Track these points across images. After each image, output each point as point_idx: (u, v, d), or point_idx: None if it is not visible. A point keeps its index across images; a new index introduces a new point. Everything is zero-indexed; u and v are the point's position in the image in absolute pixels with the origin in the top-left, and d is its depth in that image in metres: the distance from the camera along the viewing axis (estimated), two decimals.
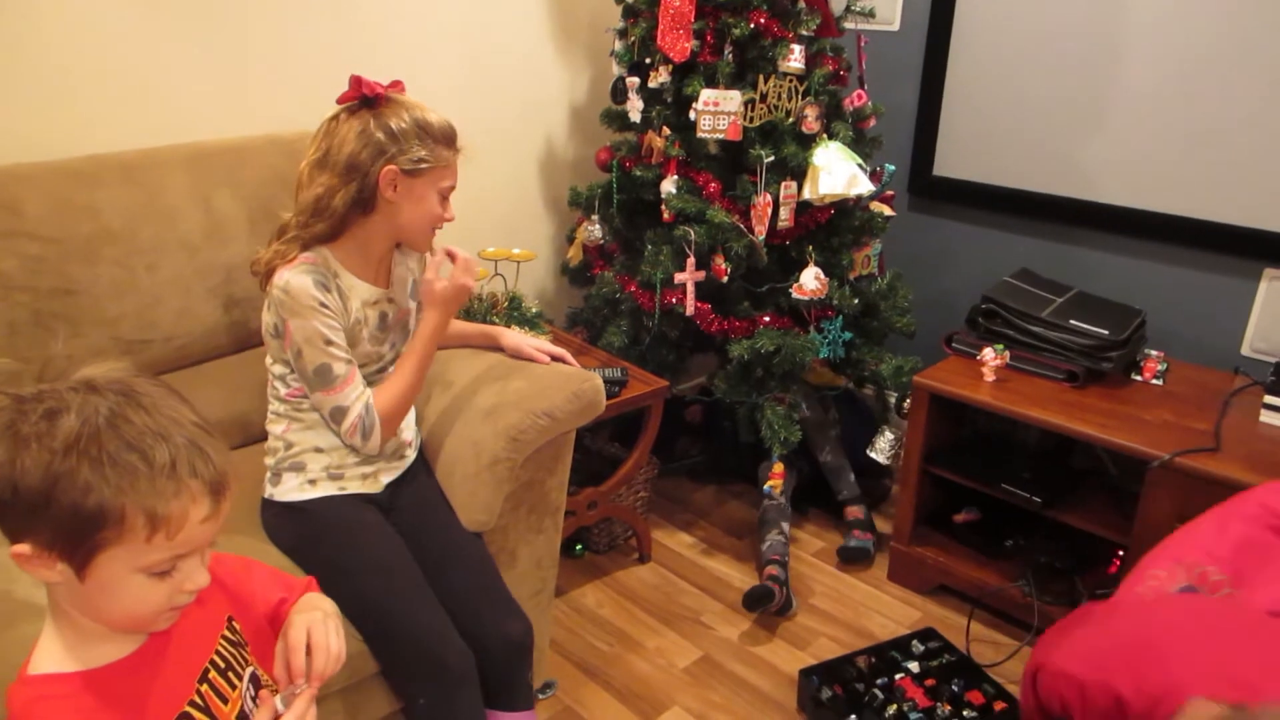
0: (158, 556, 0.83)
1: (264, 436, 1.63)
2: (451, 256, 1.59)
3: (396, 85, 1.49)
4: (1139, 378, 2.13)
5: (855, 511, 2.45)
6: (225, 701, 0.95)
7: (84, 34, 1.80)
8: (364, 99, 1.45)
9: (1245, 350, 2.20)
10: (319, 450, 1.55)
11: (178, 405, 0.86)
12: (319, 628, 1.03)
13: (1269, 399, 1.92)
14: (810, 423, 2.42)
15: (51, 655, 0.87)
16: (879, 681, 1.88)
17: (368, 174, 1.44)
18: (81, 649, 0.87)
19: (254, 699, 0.99)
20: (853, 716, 1.79)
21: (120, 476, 0.79)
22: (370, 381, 1.58)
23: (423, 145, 1.45)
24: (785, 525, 2.36)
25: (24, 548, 0.81)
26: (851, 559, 2.39)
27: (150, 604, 0.86)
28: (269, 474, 1.57)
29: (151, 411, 0.83)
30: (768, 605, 2.14)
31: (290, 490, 1.54)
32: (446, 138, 1.49)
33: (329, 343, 1.45)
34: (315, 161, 1.46)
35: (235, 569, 1.06)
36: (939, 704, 1.83)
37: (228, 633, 1.00)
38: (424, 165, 1.46)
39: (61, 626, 0.87)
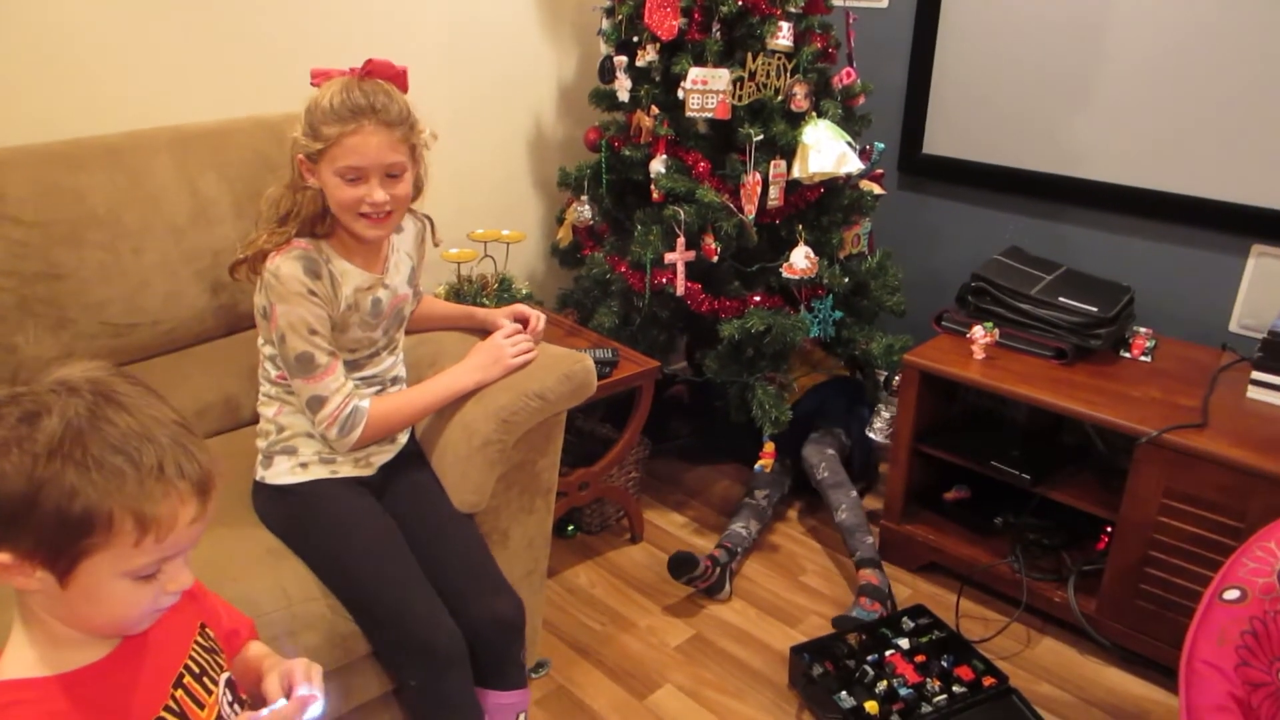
0: (145, 560, 0.81)
1: (253, 420, 1.63)
2: (524, 321, 1.71)
3: (366, 66, 1.42)
4: (1127, 354, 2.14)
5: (869, 576, 2.15)
6: (201, 706, 0.93)
7: (66, 16, 1.78)
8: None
9: (1233, 326, 2.22)
10: (311, 435, 1.54)
11: (157, 404, 0.84)
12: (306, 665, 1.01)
13: (1256, 375, 1.93)
14: (828, 483, 2.33)
15: (21, 660, 0.84)
16: (869, 658, 1.89)
17: (293, 163, 1.44)
18: (53, 653, 0.84)
19: (230, 704, 0.97)
20: (843, 693, 1.81)
21: (107, 480, 0.77)
22: (360, 365, 1.58)
23: (310, 127, 1.39)
24: (755, 525, 2.36)
25: (4, 557, 0.78)
26: (847, 628, 2.03)
27: (136, 608, 0.84)
28: (260, 457, 1.57)
29: (133, 411, 0.80)
30: (691, 573, 2.15)
31: (282, 473, 1.54)
32: (333, 116, 1.37)
33: (313, 332, 1.45)
34: None
35: (198, 583, 1.04)
36: (929, 679, 1.84)
37: (200, 639, 0.98)
38: (309, 149, 1.40)
39: (32, 631, 0.84)
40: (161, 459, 0.80)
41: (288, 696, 0.97)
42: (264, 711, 0.94)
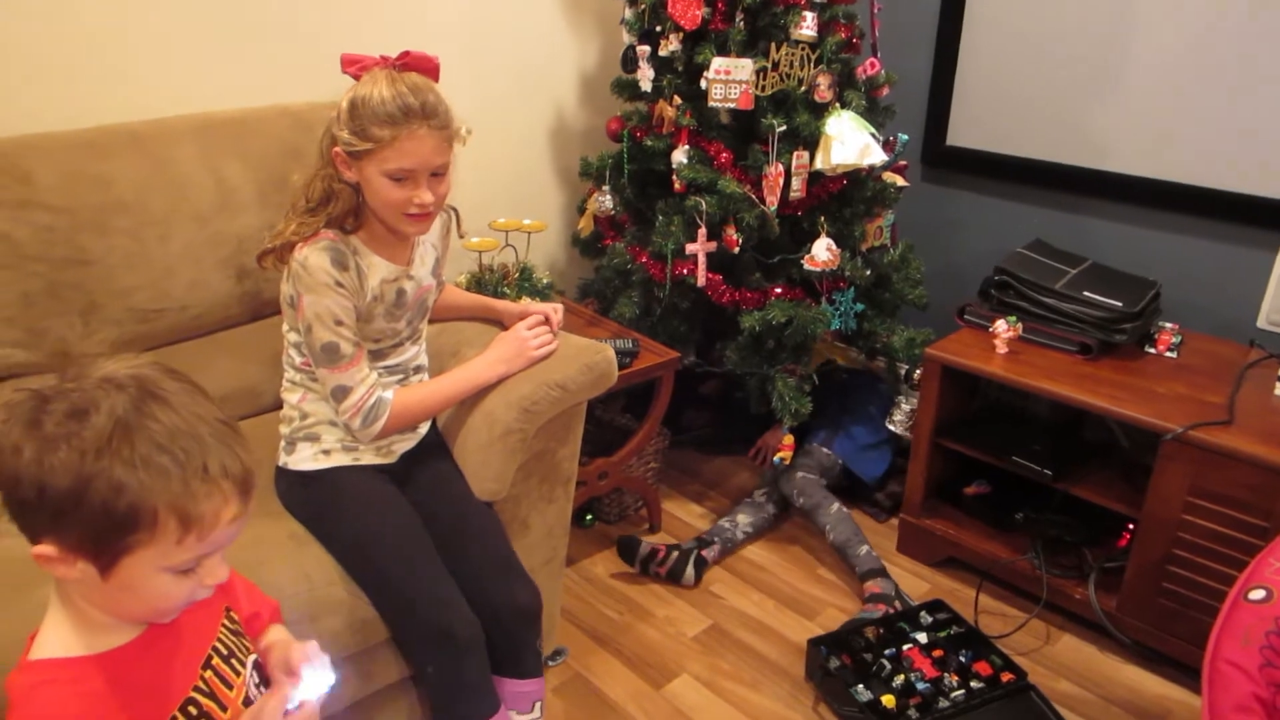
0: (186, 556, 0.82)
1: (276, 406, 1.64)
2: (548, 322, 1.70)
3: (402, 57, 1.41)
4: (1153, 350, 2.12)
5: (873, 586, 2.12)
6: (230, 687, 0.95)
7: (93, 5, 1.79)
8: (355, 76, 1.42)
9: (1261, 323, 2.19)
10: (334, 422, 1.55)
11: (202, 401, 0.85)
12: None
13: None
14: (808, 508, 2.30)
15: (58, 641, 0.85)
16: (887, 652, 1.89)
17: (328, 156, 1.43)
18: (88, 635, 0.86)
19: (258, 685, 0.99)
20: (860, 686, 1.81)
21: (154, 478, 0.78)
22: (384, 354, 1.58)
23: (355, 126, 1.37)
24: (749, 526, 2.35)
25: (48, 549, 0.79)
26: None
27: (173, 600, 0.86)
28: (284, 442, 1.58)
29: (178, 409, 0.81)
30: (640, 555, 2.21)
31: (305, 460, 1.55)
32: (385, 117, 1.36)
33: (339, 322, 1.45)
34: None
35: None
36: (946, 674, 1.84)
37: (227, 622, 1.00)
38: (355, 147, 1.38)
39: (68, 613, 0.86)
40: (206, 458, 0.81)
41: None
42: (293, 695, 0.95)
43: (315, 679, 0.97)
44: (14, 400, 0.79)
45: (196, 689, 0.91)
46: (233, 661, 0.97)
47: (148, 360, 0.86)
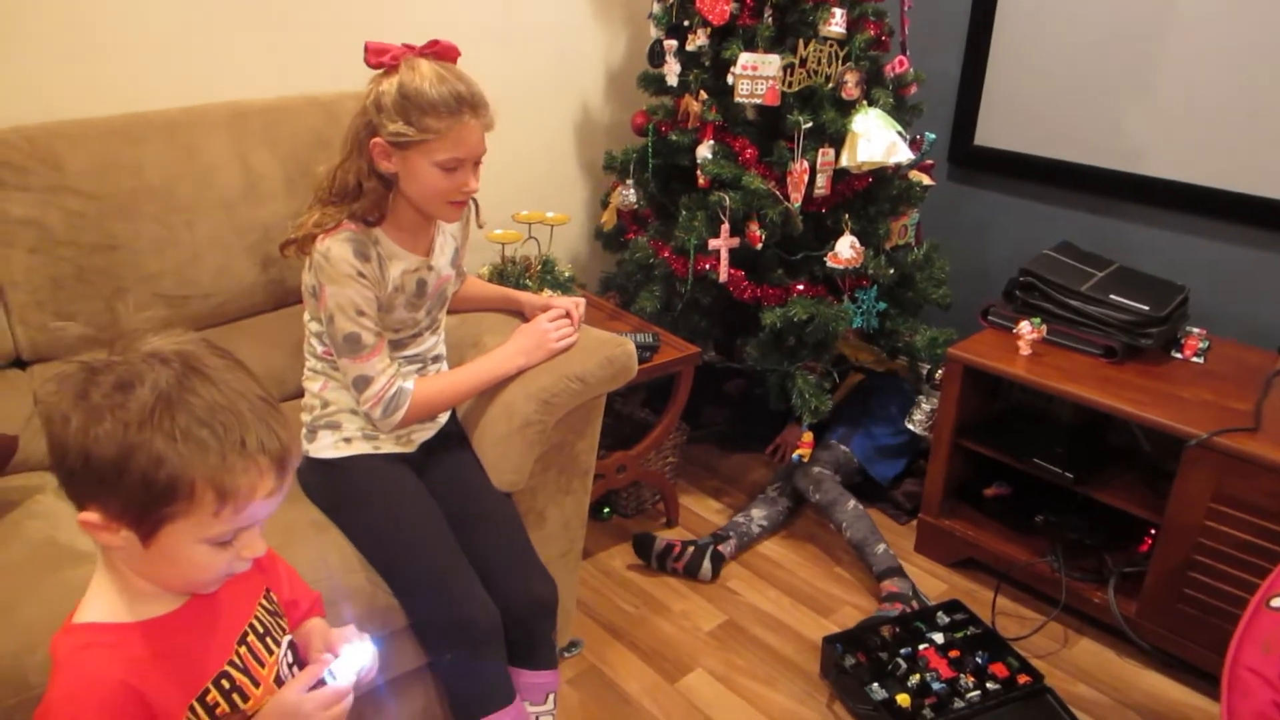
0: (223, 528, 0.85)
1: (299, 393, 1.65)
2: (570, 316, 1.69)
3: (430, 46, 1.43)
4: (1179, 355, 2.10)
5: (890, 586, 2.11)
6: (263, 665, 0.97)
7: None
8: (382, 66, 1.42)
9: None
10: (355, 411, 1.57)
11: (244, 378, 0.87)
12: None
13: None
14: (824, 504, 2.30)
15: (103, 606, 0.88)
16: (903, 651, 1.88)
17: (363, 147, 1.43)
18: (131, 603, 0.89)
19: (290, 665, 1.01)
20: (875, 684, 1.80)
21: (192, 451, 0.80)
22: (403, 344, 1.59)
23: (404, 116, 1.38)
24: (764, 520, 2.35)
25: (92, 515, 0.82)
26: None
27: (210, 571, 0.88)
28: (305, 430, 1.60)
29: (219, 385, 0.84)
30: (655, 550, 2.21)
31: (326, 448, 1.57)
32: (440, 107, 1.38)
33: (361, 313, 1.46)
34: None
35: (270, 551, 1.08)
36: (962, 675, 1.83)
37: (265, 602, 1.02)
38: (404, 138, 1.39)
39: (113, 580, 0.89)
40: (244, 433, 0.83)
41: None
42: (328, 676, 0.97)
43: (353, 655, 1.00)
44: (66, 372, 0.82)
45: (231, 663, 0.94)
46: (267, 640, 0.99)
47: (194, 337, 0.88)
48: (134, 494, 0.80)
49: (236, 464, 0.82)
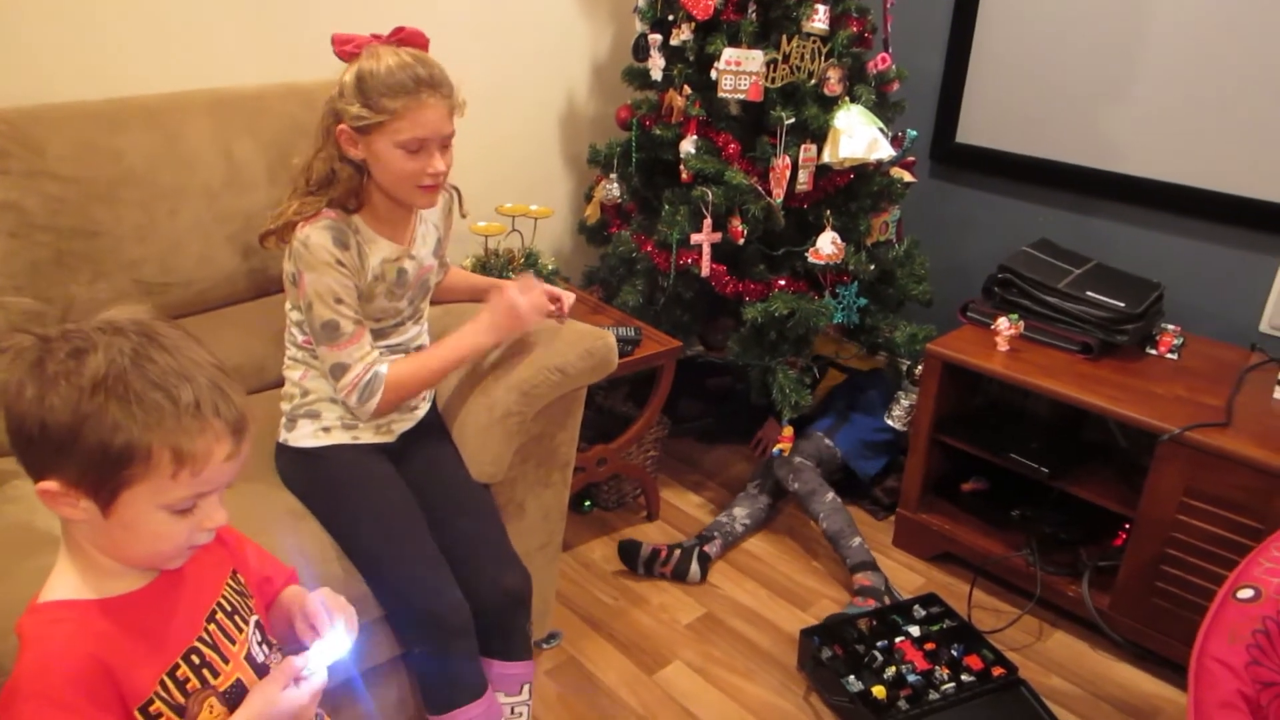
0: (181, 494, 0.85)
1: (279, 382, 1.65)
2: (556, 301, 1.66)
3: (396, 34, 1.43)
4: (1154, 351, 2.12)
5: (863, 579, 2.13)
6: (233, 642, 0.98)
7: None
8: (348, 55, 1.42)
9: (1263, 327, 2.19)
10: (334, 400, 1.56)
11: (196, 348, 0.88)
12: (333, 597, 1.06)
13: None
14: (802, 494, 2.31)
15: (67, 584, 0.89)
16: (879, 644, 1.90)
17: (330, 135, 1.44)
18: (96, 580, 0.89)
19: (260, 644, 1.01)
20: (851, 676, 1.82)
21: (147, 414, 0.81)
22: (385, 334, 1.59)
23: (362, 99, 1.38)
24: (746, 518, 2.35)
25: (50, 484, 0.82)
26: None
27: (172, 541, 0.89)
28: (284, 419, 1.59)
29: (173, 352, 0.85)
30: (642, 557, 2.21)
31: (305, 436, 1.56)
32: (397, 88, 1.37)
33: (339, 300, 1.46)
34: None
35: (233, 533, 1.09)
36: (937, 667, 1.85)
37: (232, 582, 1.03)
38: (364, 121, 1.39)
39: (76, 559, 0.89)
40: (199, 397, 0.84)
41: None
42: (301, 661, 0.97)
43: (329, 646, 1.00)
44: (21, 343, 0.83)
45: (200, 639, 0.94)
46: (235, 619, 1.00)
47: (148, 309, 0.89)
48: (91, 459, 0.81)
49: (192, 426, 0.83)
